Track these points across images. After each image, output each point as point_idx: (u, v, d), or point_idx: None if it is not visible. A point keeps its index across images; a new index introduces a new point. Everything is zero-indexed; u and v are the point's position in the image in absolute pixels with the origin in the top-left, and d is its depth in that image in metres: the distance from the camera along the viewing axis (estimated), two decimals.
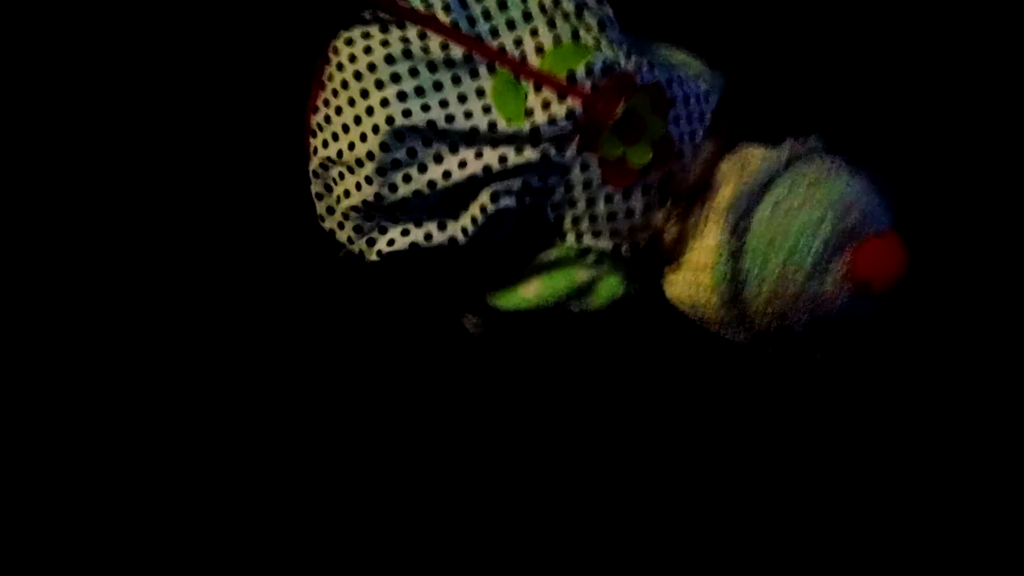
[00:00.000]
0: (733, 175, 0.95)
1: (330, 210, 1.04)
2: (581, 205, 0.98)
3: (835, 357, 0.97)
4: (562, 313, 1.02)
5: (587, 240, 0.99)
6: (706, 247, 0.94)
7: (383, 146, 0.96)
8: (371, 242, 1.02)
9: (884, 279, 0.88)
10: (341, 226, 1.04)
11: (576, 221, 0.98)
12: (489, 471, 1.14)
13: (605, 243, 0.99)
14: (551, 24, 0.98)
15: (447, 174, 0.97)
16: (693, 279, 0.95)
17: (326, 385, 1.15)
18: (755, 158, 0.95)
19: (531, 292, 1.01)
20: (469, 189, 0.97)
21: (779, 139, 0.96)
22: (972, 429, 1.13)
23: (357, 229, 1.02)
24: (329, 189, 1.03)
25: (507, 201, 0.97)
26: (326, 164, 1.01)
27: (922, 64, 1.17)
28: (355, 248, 1.03)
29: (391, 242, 1.01)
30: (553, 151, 0.96)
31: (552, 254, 1.00)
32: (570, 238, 0.99)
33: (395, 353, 1.15)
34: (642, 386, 1.14)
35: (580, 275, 1.00)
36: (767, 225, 0.91)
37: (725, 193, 0.94)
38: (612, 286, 1.00)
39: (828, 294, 0.90)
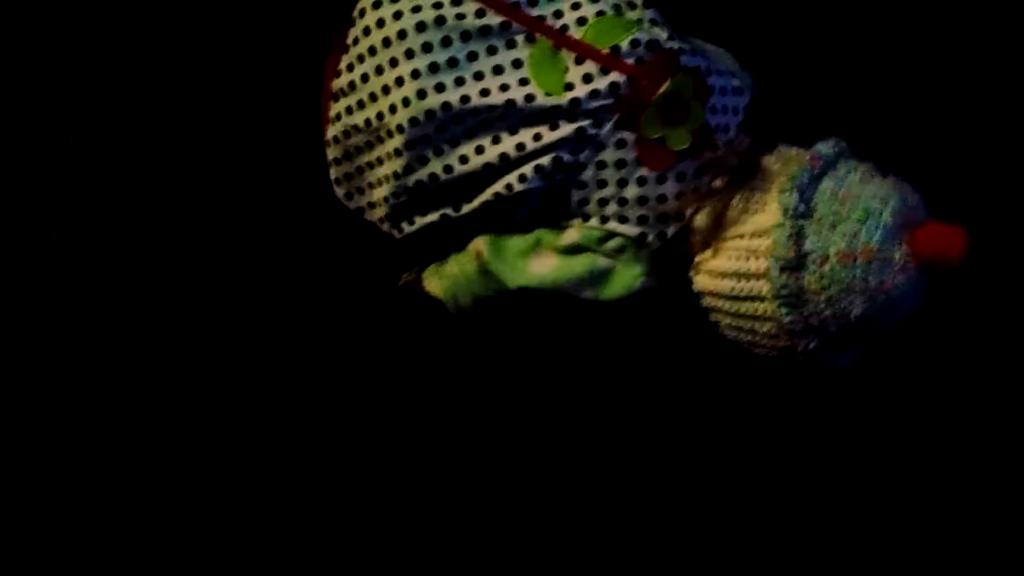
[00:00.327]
0: (784, 164, 0.92)
1: (348, 176, 1.01)
2: (611, 185, 0.94)
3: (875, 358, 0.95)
4: (570, 299, 0.97)
5: (612, 224, 0.95)
6: (768, 212, 0.90)
7: (413, 121, 0.93)
8: (394, 216, 0.99)
9: (948, 257, 0.85)
10: (360, 195, 1.01)
11: (603, 202, 0.95)
12: (483, 467, 1.10)
13: (631, 229, 0.95)
14: None
15: (479, 149, 0.94)
16: (746, 246, 0.91)
17: (328, 370, 1.11)
18: (800, 153, 0.93)
19: (545, 270, 0.96)
20: (499, 165, 0.94)
21: (800, 140, 0.94)
22: (972, 431, 1.11)
23: (380, 201, 0.99)
24: (350, 157, 1.00)
25: (535, 181, 0.94)
26: (349, 132, 0.98)
27: (932, 72, 1.15)
28: (375, 219, 1.01)
29: (415, 218, 0.99)
30: (590, 126, 0.92)
31: (572, 235, 0.96)
32: (594, 220, 0.95)
33: (389, 349, 1.10)
34: (641, 386, 1.10)
35: (599, 261, 0.96)
36: (831, 201, 0.88)
37: (785, 172, 0.91)
38: (630, 277, 0.96)
39: (887, 280, 0.86)
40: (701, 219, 0.94)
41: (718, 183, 0.94)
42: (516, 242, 0.98)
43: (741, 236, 0.91)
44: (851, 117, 1.05)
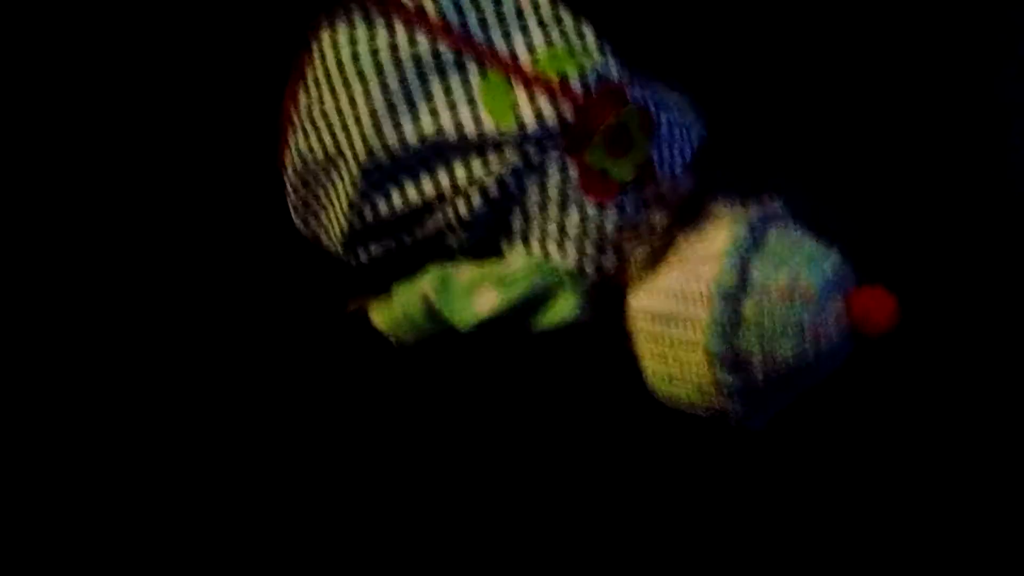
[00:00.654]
0: (731, 209, 0.93)
1: (304, 204, 1.02)
2: (553, 212, 0.95)
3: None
4: (517, 330, 0.97)
5: (551, 252, 0.95)
6: (716, 241, 0.90)
7: (370, 155, 0.94)
8: (349, 245, 1.00)
9: (879, 325, 0.87)
10: (316, 222, 1.02)
11: (544, 231, 0.95)
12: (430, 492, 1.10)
13: (570, 258, 0.95)
14: (544, 27, 0.96)
15: (433, 179, 0.95)
16: (689, 271, 0.91)
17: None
18: (746, 203, 0.94)
19: (489, 304, 0.96)
20: (450, 193, 0.95)
21: (749, 182, 0.95)
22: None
23: (334, 230, 1.00)
24: (306, 186, 1.01)
25: (481, 207, 0.95)
26: (306, 163, 0.99)
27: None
28: (329, 247, 1.01)
29: (369, 246, 0.99)
30: (535, 153, 0.93)
31: (512, 264, 0.96)
32: (535, 248, 0.96)
33: (339, 373, 1.11)
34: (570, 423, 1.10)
35: (536, 287, 0.95)
36: (779, 242, 0.89)
37: (733, 214, 0.92)
38: (567, 307, 0.96)
39: (821, 327, 0.87)
40: (641, 254, 0.94)
41: (660, 219, 0.94)
42: (461, 280, 0.97)
43: (686, 260, 0.92)
44: (801, 159, 1.07)
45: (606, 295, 0.96)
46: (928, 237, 1.12)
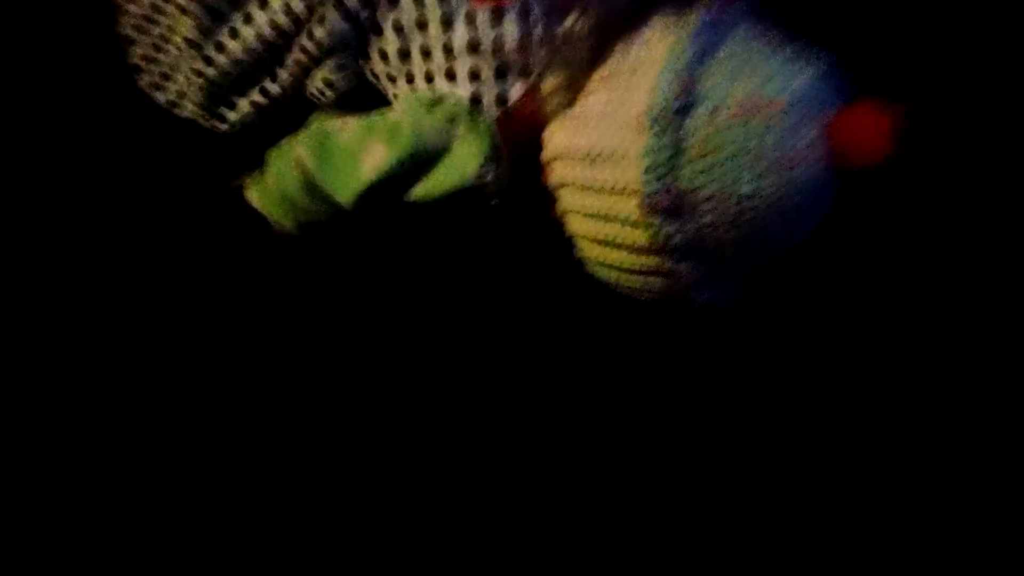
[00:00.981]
0: (678, 15, 0.71)
1: (148, 59, 0.86)
2: (433, 28, 0.74)
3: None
4: (413, 205, 0.77)
5: (439, 83, 0.75)
6: (657, 50, 0.69)
7: None
8: (209, 101, 0.83)
9: (869, 153, 0.66)
10: (167, 81, 0.86)
11: (426, 56, 0.75)
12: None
13: (462, 89, 0.75)
14: None
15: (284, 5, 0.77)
16: (620, 92, 0.70)
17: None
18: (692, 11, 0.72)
19: (375, 164, 0.76)
20: (301, 14, 0.77)
21: None
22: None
23: (186, 82, 0.84)
24: (144, 31, 0.85)
25: (340, 24, 0.76)
26: (148, 17, 0.84)
27: None
28: (189, 111, 0.85)
29: (233, 100, 0.83)
30: None
31: (398, 106, 0.77)
32: (419, 84, 0.76)
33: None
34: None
35: (427, 130, 0.75)
36: (738, 49, 0.68)
37: (678, 19, 0.71)
38: (466, 157, 0.75)
39: (792, 157, 0.66)
40: (556, 77, 0.73)
41: (579, 28, 0.72)
42: (342, 140, 0.78)
43: (616, 80, 0.71)
44: None
45: (517, 144, 0.76)
46: (931, 52, 0.89)
